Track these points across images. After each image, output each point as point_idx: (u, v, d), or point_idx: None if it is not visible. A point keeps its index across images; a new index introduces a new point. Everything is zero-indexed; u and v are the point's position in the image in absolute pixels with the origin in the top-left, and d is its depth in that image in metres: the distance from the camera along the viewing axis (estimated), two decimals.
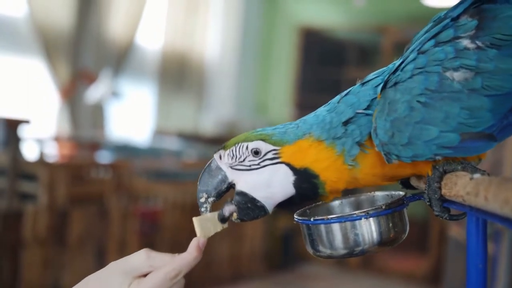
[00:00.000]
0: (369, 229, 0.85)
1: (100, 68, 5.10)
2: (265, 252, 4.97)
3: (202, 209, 0.89)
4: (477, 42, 0.82)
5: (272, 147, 0.89)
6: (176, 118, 5.97)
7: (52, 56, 4.69)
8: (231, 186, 0.89)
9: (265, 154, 0.88)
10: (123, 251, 3.56)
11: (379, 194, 0.98)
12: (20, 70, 4.65)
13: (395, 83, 0.85)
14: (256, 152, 0.89)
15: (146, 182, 3.95)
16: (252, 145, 0.89)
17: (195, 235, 0.86)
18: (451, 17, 0.85)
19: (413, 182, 0.94)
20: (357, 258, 4.93)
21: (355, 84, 0.93)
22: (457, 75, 0.81)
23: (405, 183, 0.97)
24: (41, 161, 3.36)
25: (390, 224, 0.86)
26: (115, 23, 5.24)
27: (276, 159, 0.88)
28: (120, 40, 5.29)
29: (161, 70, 5.82)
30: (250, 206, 0.89)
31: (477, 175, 0.76)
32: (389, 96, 0.85)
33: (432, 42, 0.85)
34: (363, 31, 6.25)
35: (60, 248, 3.27)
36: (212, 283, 4.28)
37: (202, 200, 0.89)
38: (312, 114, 0.93)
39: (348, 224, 0.85)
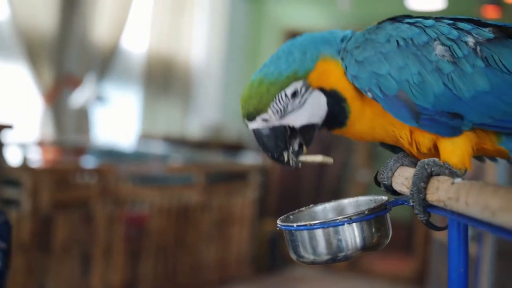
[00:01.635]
0: (352, 235, 0.86)
1: (84, 72, 5.06)
2: (252, 255, 4.97)
3: (291, 162, 0.93)
4: (478, 47, 0.87)
5: (302, 82, 0.92)
6: (162, 122, 5.94)
7: (35, 60, 4.64)
8: (292, 128, 0.93)
9: (300, 91, 0.92)
10: (109, 256, 3.53)
11: (362, 198, 0.99)
12: (3, 74, 4.60)
13: (397, 21, 0.93)
14: (294, 94, 0.91)
15: (132, 187, 3.92)
16: (290, 90, 0.91)
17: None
18: (480, 21, 0.91)
19: (396, 186, 0.95)
20: None
21: None
22: (439, 49, 0.87)
23: (388, 187, 0.98)
24: (25, 166, 3.32)
25: (373, 229, 0.87)
26: (99, 26, 5.21)
27: (309, 89, 0.92)
28: (105, 44, 5.25)
29: (147, 74, 5.78)
30: (312, 133, 0.94)
31: (458, 180, 0.76)
32: (383, 25, 0.93)
33: (450, 21, 0.91)
34: None
35: (45, 254, 3.23)
36: (200, 287, 4.26)
37: (286, 158, 0.92)
38: (297, 43, 0.95)
39: (331, 229, 0.86)
